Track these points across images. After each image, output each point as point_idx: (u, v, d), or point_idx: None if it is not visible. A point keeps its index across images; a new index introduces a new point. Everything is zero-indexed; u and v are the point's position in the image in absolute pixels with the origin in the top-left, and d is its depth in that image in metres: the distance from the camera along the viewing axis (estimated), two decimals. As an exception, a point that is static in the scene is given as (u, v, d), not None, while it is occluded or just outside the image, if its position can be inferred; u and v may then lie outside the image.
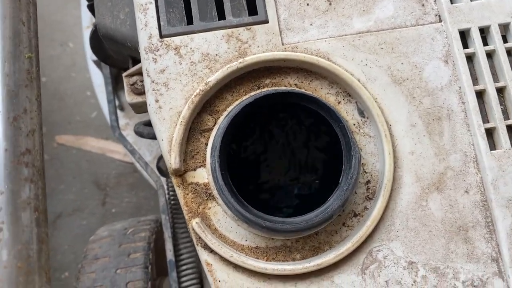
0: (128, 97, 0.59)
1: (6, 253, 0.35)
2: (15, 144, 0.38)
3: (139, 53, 0.60)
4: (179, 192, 0.51)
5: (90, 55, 0.97)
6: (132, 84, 0.59)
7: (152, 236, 0.87)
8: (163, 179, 0.90)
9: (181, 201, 0.51)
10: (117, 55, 0.66)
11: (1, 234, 0.35)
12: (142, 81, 0.59)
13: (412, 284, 0.49)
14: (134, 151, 0.87)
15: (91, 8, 0.74)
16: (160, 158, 0.85)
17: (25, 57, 0.42)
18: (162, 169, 0.84)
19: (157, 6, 0.54)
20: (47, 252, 0.38)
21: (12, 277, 0.34)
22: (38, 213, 0.37)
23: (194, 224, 0.49)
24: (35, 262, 0.36)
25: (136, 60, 0.63)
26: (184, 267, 0.86)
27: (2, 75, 0.39)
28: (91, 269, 0.81)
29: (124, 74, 0.59)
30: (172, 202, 0.91)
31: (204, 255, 0.50)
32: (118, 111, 1.05)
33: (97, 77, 1.07)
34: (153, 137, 0.74)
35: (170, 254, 0.85)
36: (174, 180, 0.51)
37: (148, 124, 0.77)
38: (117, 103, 1.01)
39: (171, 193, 0.91)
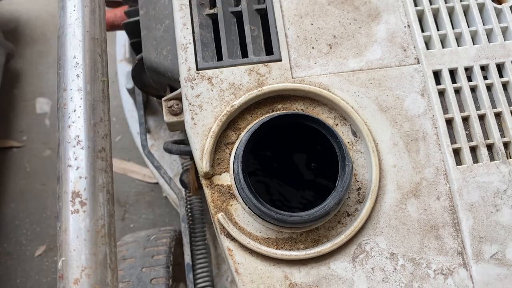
0: (166, 117, 0.73)
1: (89, 221, 0.47)
2: (95, 143, 0.51)
3: (176, 82, 0.74)
4: (207, 192, 0.64)
5: (124, 84, 1.12)
6: (170, 107, 0.73)
7: (172, 242, 0.99)
8: (183, 192, 1.03)
9: (209, 199, 0.64)
10: (156, 84, 0.80)
11: (85, 207, 0.48)
12: (178, 104, 0.73)
13: (393, 271, 0.61)
14: (160, 167, 1.00)
15: (134, 45, 0.89)
16: (183, 173, 0.98)
17: (100, 81, 0.55)
18: (184, 182, 0.97)
19: (194, 46, 0.68)
20: (114, 224, 0.51)
21: (92, 238, 0.47)
22: (109, 195, 0.50)
23: (220, 216, 0.62)
24: (107, 230, 0.48)
25: (172, 88, 0.77)
26: (199, 271, 0.97)
27: (85, 93, 0.53)
28: (119, 268, 0.92)
29: (163, 99, 0.73)
30: (189, 213, 1.03)
31: (226, 242, 0.62)
32: (144, 134, 1.19)
33: (128, 104, 1.21)
34: (180, 153, 0.87)
35: (187, 258, 0.96)
36: (203, 182, 0.64)
37: (176, 142, 0.91)
38: (143, 126, 1.15)
39: (188, 206, 1.03)
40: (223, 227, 0.62)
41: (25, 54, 1.72)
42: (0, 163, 1.56)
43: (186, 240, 0.98)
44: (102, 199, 0.49)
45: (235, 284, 1.09)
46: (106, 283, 0.46)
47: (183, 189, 1.01)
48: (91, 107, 0.52)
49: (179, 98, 0.72)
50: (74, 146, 0.50)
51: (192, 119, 0.65)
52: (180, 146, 0.86)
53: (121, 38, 1.22)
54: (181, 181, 0.96)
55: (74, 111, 0.51)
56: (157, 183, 1.49)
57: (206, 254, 0.98)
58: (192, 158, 0.93)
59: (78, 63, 0.53)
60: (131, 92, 1.13)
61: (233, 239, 0.62)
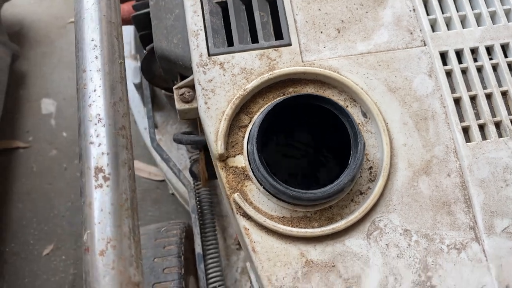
0: (178, 104, 0.74)
1: (112, 195, 0.48)
2: (115, 121, 0.52)
3: (187, 70, 0.76)
4: (222, 174, 0.65)
5: (132, 80, 1.13)
6: (181, 94, 0.74)
7: (182, 233, 1.00)
8: (192, 184, 1.04)
9: (224, 180, 0.65)
10: (166, 73, 0.81)
11: (108, 181, 0.49)
12: (189, 92, 0.74)
13: (407, 247, 0.62)
14: (169, 159, 1.02)
15: (142, 37, 0.91)
16: (193, 163, 0.99)
17: (118, 62, 0.57)
18: (194, 173, 0.98)
19: (205, 32, 0.69)
20: (136, 199, 0.52)
21: (116, 211, 0.48)
22: (131, 170, 0.51)
23: (236, 196, 0.63)
24: (130, 204, 0.49)
25: (183, 76, 0.78)
26: (210, 261, 0.98)
27: (103, 74, 0.54)
28: (131, 259, 0.92)
29: (174, 87, 0.74)
30: (198, 205, 1.04)
31: (242, 222, 0.63)
32: (151, 129, 1.20)
33: (134, 99, 1.23)
34: (190, 142, 0.88)
35: (198, 248, 0.97)
36: (218, 164, 0.65)
37: (186, 133, 0.92)
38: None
39: (198, 197, 1.04)
40: (239, 207, 0.63)
41: (29, 56, 1.73)
42: (7, 164, 1.57)
43: (196, 231, 0.98)
44: (124, 174, 0.50)
45: (244, 275, 1.10)
46: (131, 254, 0.46)
47: (192, 181, 1.02)
48: (111, 87, 0.53)
49: (190, 86, 0.74)
50: (96, 124, 0.51)
51: (206, 103, 0.67)
52: (190, 136, 0.87)
53: (126, 36, 1.23)
54: (191, 172, 0.97)
55: (94, 90, 0.52)
56: (163, 181, 1.50)
57: (216, 244, 0.99)
58: (201, 149, 0.94)
59: (96, 45, 0.55)
60: (138, 87, 1.14)
61: (249, 218, 0.63)
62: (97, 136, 0.50)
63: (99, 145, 0.50)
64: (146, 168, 1.50)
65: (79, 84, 0.54)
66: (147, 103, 1.04)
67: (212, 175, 0.95)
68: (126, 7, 0.98)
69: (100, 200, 0.47)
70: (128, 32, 1.26)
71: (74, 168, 1.55)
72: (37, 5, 1.82)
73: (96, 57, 0.54)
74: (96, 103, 0.52)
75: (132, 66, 1.18)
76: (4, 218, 1.49)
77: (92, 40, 0.55)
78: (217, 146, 0.64)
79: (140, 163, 1.52)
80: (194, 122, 1.09)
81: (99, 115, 0.51)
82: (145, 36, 0.88)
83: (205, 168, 0.94)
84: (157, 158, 1.11)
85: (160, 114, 1.21)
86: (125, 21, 1.00)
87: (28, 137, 1.62)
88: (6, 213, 1.50)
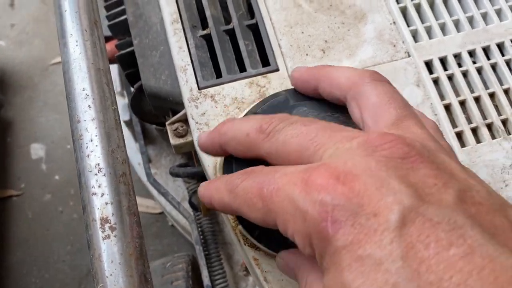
0: (172, 140, 0.74)
1: (121, 244, 0.48)
2: (115, 169, 0.52)
3: (178, 105, 0.76)
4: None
5: (121, 116, 1.13)
6: (175, 130, 0.74)
7: (188, 267, 0.99)
8: (193, 215, 1.03)
9: (229, 219, 0.65)
10: (157, 110, 0.82)
11: (115, 232, 0.48)
12: (182, 126, 0.74)
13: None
14: (167, 193, 1.01)
15: (128, 76, 0.91)
16: (192, 195, 0.99)
17: (112, 109, 0.57)
18: (194, 204, 0.98)
19: (193, 67, 0.70)
20: (144, 245, 0.51)
21: (127, 261, 0.48)
22: (136, 217, 0.51)
23: (241, 227, 0.63)
24: (139, 251, 0.49)
25: (175, 112, 0.78)
26: (219, 291, 0.97)
27: (98, 122, 0.54)
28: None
29: (167, 123, 0.74)
30: (201, 235, 1.03)
31: (251, 253, 0.62)
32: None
33: (125, 135, 1.22)
34: (188, 175, 0.88)
35: (206, 280, 0.96)
36: (220, 197, 0.65)
37: (181, 166, 0.92)
38: (143, 156, 1.16)
39: (200, 228, 1.04)
40: (246, 238, 0.62)
41: (15, 102, 1.73)
42: (1, 213, 1.55)
43: (202, 262, 0.98)
44: (130, 222, 0.50)
45: (256, 301, 1.09)
46: (146, 303, 0.46)
47: (192, 212, 1.01)
48: (107, 135, 0.53)
49: (182, 120, 0.74)
50: (96, 174, 0.50)
51: (201, 137, 0.67)
52: (187, 169, 0.87)
53: (112, 73, 1.23)
54: (191, 203, 0.97)
55: (91, 140, 0.52)
56: (161, 213, 1.49)
57: (223, 273, 0.98)
58: (199, 179, 0.94)
59: (88, 95, 0.55)
60: (128, 124, 1.14)
61: (257, 248, 0.62)
62: (99, 187, 0.50)
63: (102, 195, 0.49)
64: (143, 202, 1.49)
65: (75, 135, 0.54)
66: (139, 139, 1.04)
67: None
68: (109, 47, 0.98)
69: (109, 252, 0.47)
70: (113, 69, 1.26)
71: (70, 211, 1.54)
72: (17, 49, 1.82)
73: (89, 107, 0.54)
74: (94, 152, 0.51)
75: (120, 104, 1.18)
76: (3, 268, 1.46)
77: (83, 90, 0.55)
78: (217, 179, 0.64)
79: (137, 197, 1.50)
80: (188, 152, 1.09)
81: (98, 164, 0.51)
82: (131, 74, 0.89)
83: (204, 199, 0.94)
84: (155, 192, 1.11)
85: (153, 148, 1.20)
86: (110, 61, 1.00)
87: (20, 184, 1.60)
88: (5, 263, 1.48)
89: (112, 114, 0.56)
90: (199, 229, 1.01)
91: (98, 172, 0.50)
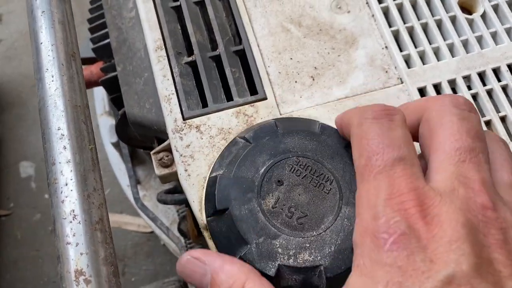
0: (157, 170, 0.71)
1: (96, 299, 0.45)
2: (91, 215, 0.49)
3: (163, 133, 0.73)
4: (211, 243, 0.62)
5: (108, 139, 1.10)
6: (160, 159, 0.71)
7: (179, 294, 0.96)
8: (183, 241, 1.00)
9: (214, 249, 0.62)
10: (142, 137, 0.79)
11: (90, 285, 0.46)
12: (167, 156, 0.72)
13: None
14: (156, 218, 0.98)
15: (113, 100, 0.88)
16: (181, 221, 0.96)
17: (88, 149, 0.54)
18: (183, 231, 0.95)
19: (178, 96, 0.67)
20: (123, 297, 0.48)
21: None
22: (113, 267, 0.48)
23: (228, 267, 0.60)
24: (117, 306, 0.46)
25: (160, 140, 0.75)
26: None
27: (74, 164, 0.51)
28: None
29: (152, 152, 0.71)
30: (193, 261, 1.01)
31: (238, 293, 0.60)
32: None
33: (113, 157, 1.20)
34: (175, 203, 0.85)
35: (197, 308, 0.93)
36: (205, 234, 0.62)
37: (169, 192, 0.89)
38: (133, 178, 1.13)
39: (191, 253, 1.01)
40: (233, 278, 0.60)
41: (3, 120, 1.70)
42: (-11, 235, 1.51)
43: (193, 290, 0.95)
44: (107, 273, 0.47)
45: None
46: None
47: (182, 238, 0.98)
48: (83, 178, 0.50)
49: (168, 150, 0.71)
50: (71, 222, 0.48)
51: (186, 170, 0.64)
52: (175, 196, 0.84)
53: (99, 92, 1.21)
54: (180, 230, 0.94)
55: (66, 184, 0.49)
56: (153, 232, 1.46)
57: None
58: (188, 205, 0.91)
59: (63, 135, 0.52)
60: (115, 145, 1.11)
61: None
62: (74, 235, 0.47)
63: (77, 244, 0.47)
64: (134, 221, 1.46)
65: (50, 179, 0.51)
66: (127, 162, 1.01)
67: (201, 232, 0.92)
68: (95, 70, 0.96)
69: (83, 307, 0.44)
70: (101, 88, 1.23)
71: (60, 231, 1.51)
72: (6, 65, 1.79)
73: (65, 148, 0.51)
74: (69, 198, 0.49)
75: (108, 123, 1.15)
76: (-8, 290, 1.43)
77: (58, 129, 0.52)
78: (202, 215, 0.61)
79: (128, 216, 1.48)
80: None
81: (73, 211, 0.48)
82: (116, 99, 0.86)
83: (193, 225, 0.91)
84: (144, 217, 1.08)
85: (142, 169, 1.18)
86: (95, 84, 0.97)
87: (9, 203, 1.57)
88: (-6, 285, 1.45)
89: (89, 154, 0.53)
90: (190, 254, 0.98)
91: (73, 220, 0.48)
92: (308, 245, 0.46)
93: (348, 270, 0.42)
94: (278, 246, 0.46)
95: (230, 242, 0.53)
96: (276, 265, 0.46)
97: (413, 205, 0.35)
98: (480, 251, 0.33)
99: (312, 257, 0.45)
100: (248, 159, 0.55)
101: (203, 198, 0.61)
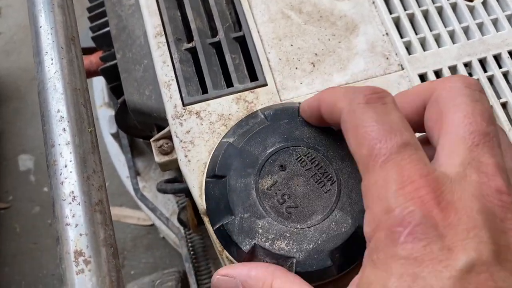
0: (157, 157, 0.71)
1: (96, 279, 0.45)
2: (91, 196, 0.49)
3: (162, 121, 0.73)
4: (210, 228, 0.62)
5: (107, 129, 1.10)
6: (160, 147, 0.71)
7: (178, 284, 0.96)
8: (182, 231, 1.00)
9: (213, 236, 0.62)
10: (142, 125, 0.79)
11: (90, 265, 0.45)
12: (167, 143, 0.71)
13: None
14: (156, 209, 0.98)
15: (113, 89, 0.88)
16: (181, 211, 0.96)
17: (88, 131, 0.54)
18: (183, 220, 0.95)
19: (177, 82, 0.67)
20: (122, 279, 0.48)
21: (103, 297, 0.45)
22: (113, 248, 0.48)
23: (227, 253, 0.60)
24: (116, 286, 0.46)
25: (160, 127, 0.75)
26: (210, 310, 0.93)
27: (74, 146, 0.51)
28: (128, 319, 0.88)
29: (152, 140, 0.71)
30: (192, 252, 1.00)
31: (238, 278, 0.59)
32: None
33: (113, 148, 1.19)
34: (175, 192, 0.85)
35: (197, 298, 0.93)
36: (205, 219, 0.62)
37: (169, 181, 0.89)
38: (132, 169, 1.12)
39: (189, 244, 1.01)
40: (233, 263, 0.59)
41: (2, 113, 1.69)
42: (-12, 228, 1.51)
43: (192, 280, 0.95)
44: (106, 254, 0.46)
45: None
46: None
47: (182, 228, 0.98)
48: (82, 160, 0.50)
49: (168, 137, 0.71)
50: (70, 203, 0.47)
51: (186, 156, 0.64)
52: (175, 185, 0.84)
53: (98, 84, 1.20)
54: (179, 220, 0.94)
55: (65, 166, 0.49)
56: (152, 225, 1.46)
57: (215, 291, 0.95)
58: (187, 195, 0.91)
59: (63, 117, 0.52)
60: (115, 136, 1.11)
61: (245, 274, 0.59)
62: (73, 217, 0.47)
63: (76, 225, 0.46)
64: (134, 213, 1.46)
65: (49, 161, 0.51)
66: (126, 153, 1.01)
67: (201, 221, 0.91)
68: (94, 59, 0.95)
69: (83, 287, 0.44)
70: (101, 79, 1.23)
71: (59, 223, 1.50)
72: (4, 59, 1.79)
73: (64, 130, 0.51)
74: (69, 179, 0.48)
75: (107, 115, 1.15)
76: (-9, 284, 1.43)
77: (58, 112, 0.52)
78: (202, 201, 0.61)
79: (127, 209, 1.48)
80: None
81: (72, 192, 0.48)
82: (116, 88, 0.86)
83: (193, 215, 0.91)
84: (144, 207, 1.08)
85: (141, 160, 1.17)
86: (95, 73, 0.97)
87: (8, 196, 1.57)
88: (-7, 278, 1.44)
89: (89, 137, 0.53)
90: (189, 245, 0.98)
91: (73, 201, 0.47)
92: (288, 235, 0.45)
93: (319, 272, 0.44)
94: (260, 226, 0.46)
95: (218, 208, 0.53)
96: (253, 243, 0.47)
97: (426, 192, 0.33)
98: (498, 238, 0.32)
99: (289, 247, 0.45)
100: (259, 136, 0.55)
101: (210, 158, 0.61)
